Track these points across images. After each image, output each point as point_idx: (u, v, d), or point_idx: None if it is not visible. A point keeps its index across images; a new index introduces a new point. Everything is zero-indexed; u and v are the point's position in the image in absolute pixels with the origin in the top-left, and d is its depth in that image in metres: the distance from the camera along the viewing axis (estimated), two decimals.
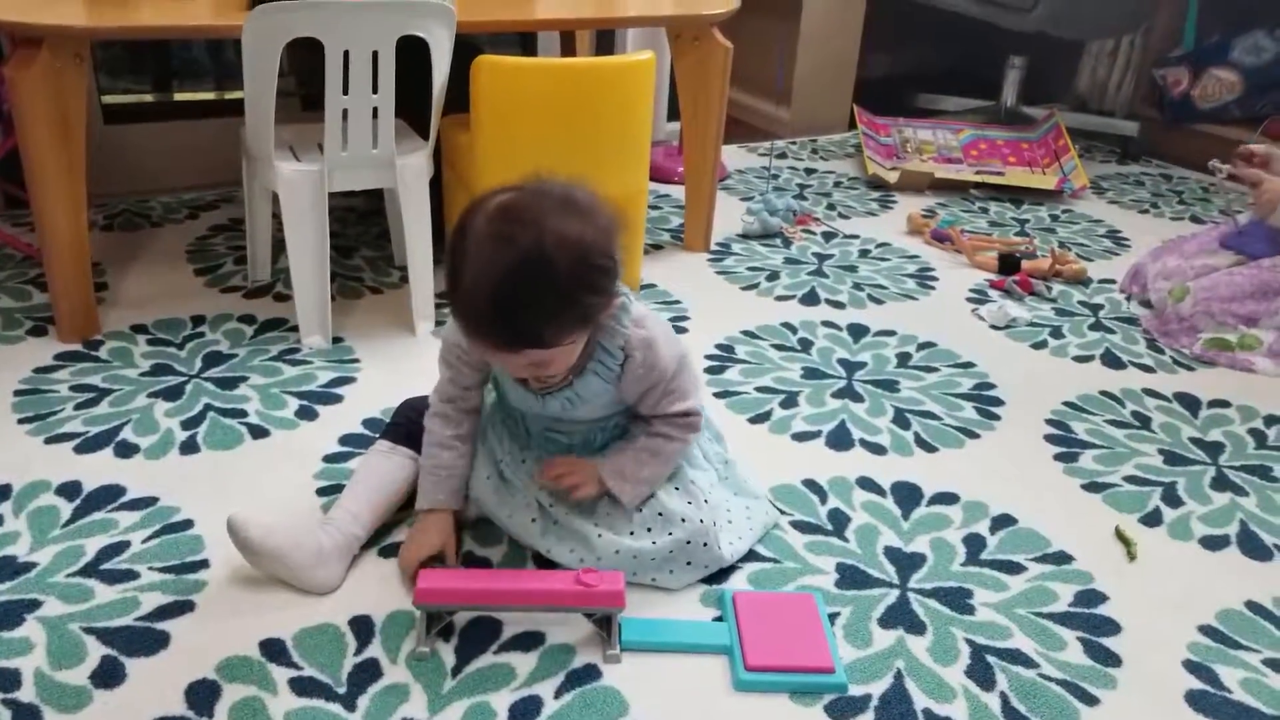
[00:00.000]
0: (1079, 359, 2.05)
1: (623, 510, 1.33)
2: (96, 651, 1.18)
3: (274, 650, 1.19)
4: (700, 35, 2.25)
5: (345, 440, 1.62)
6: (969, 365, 1.99)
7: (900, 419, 1.78)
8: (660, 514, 1.33)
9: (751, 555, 1.40)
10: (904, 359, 2.00)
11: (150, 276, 2.18)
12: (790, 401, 1.82)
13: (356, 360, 1.87)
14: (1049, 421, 1.80)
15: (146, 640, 1.20)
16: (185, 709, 1.11)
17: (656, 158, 2.97)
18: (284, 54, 1.70)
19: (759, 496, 1.48)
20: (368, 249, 2.38)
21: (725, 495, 1.43)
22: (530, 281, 1.08)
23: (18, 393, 1.71)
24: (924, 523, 1.50)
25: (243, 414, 1.68)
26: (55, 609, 1.24)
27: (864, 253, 2.55)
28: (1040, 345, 2.09)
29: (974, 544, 1.45)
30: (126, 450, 1.56)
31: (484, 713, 1.12)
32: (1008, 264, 2.41)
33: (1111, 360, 2.05)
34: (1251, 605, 1.36)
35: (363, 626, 1.23)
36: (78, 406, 1.67)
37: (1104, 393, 1.91)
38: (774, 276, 2.37)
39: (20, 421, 1.63)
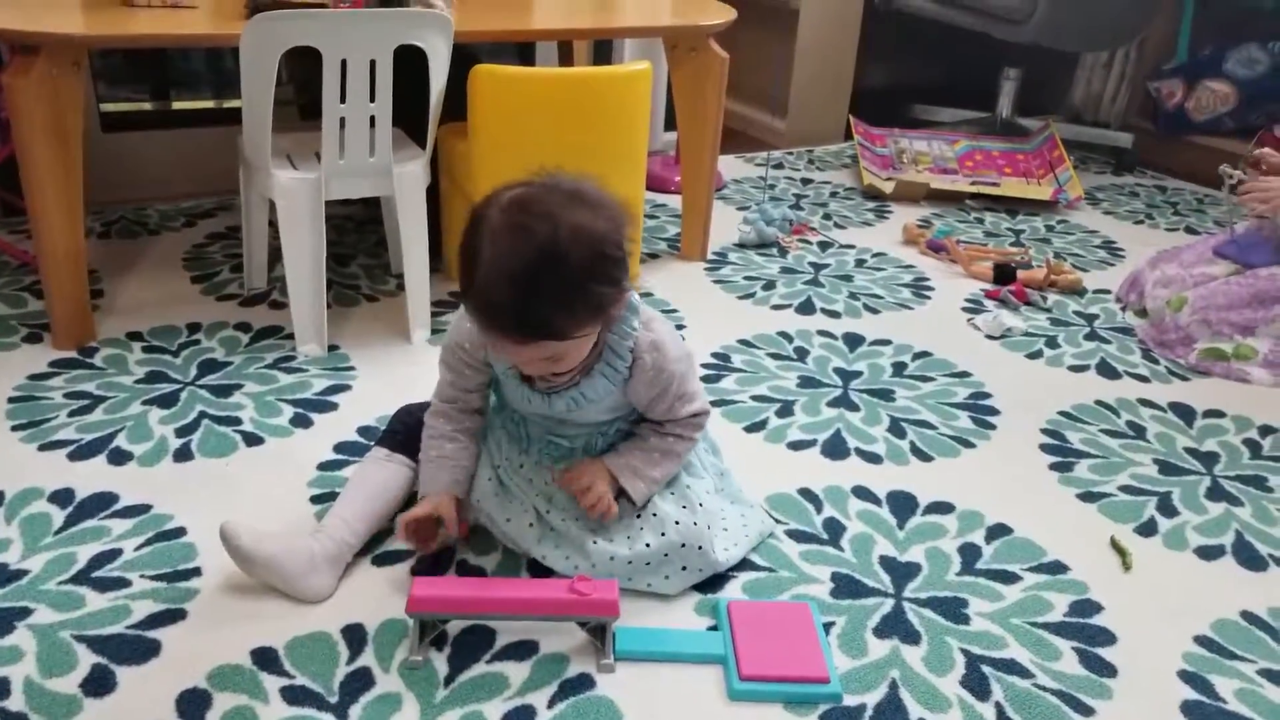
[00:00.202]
0: (1074, 369, 2.05)
1: (620, 517, 1.33)
2: (87, 660, 1.17)
3: (265, 659, 1.19)
4: (697, 46, 2.25)
5: (340, 448, 1.62)
6: (964, 375, 1.99)
7: (896, 428, 1.78)
8: (655, 515, 1.33)
9: (746, 564, 1.39)
10: (899, 368, 2.00)
11: (146, 284, 2.18)
12: (786, 410, 1.82)
13: (352, 368, 1.87)
14: (1044, 431, 1.80)
15: (137, 648, 1.19)
16: (176, 718, 1.10)
17: (654, 167, 2.98)
18: (282, 63, 1.70)
19: (754, 505, 1.48)
20: (364, 257, 2.38)
21: (721, 503, 1.43)
22: (547, 271, 1.10)
23: (11, 399, 1.70)
24: (919, 532, 1.49)
25: (237, 422, 1.67)
26: (46, 617, 1.23)
27: (860, 262, 2.55)
28: (1035, 355, 2.10)
29: (969, 553, 1.45)
30: (120, 457, 1.56)
31: None
32: (1003, 274, 2.42)
33: (1107, 370, 2.05)
34: (1247, 615, 1.36)
35: (355, 635, 1.23)
36: (72, 414, 1.67)
37: (1099, 402, 1.91)
38: (770, 286, 2.37)
39: (14, 428, 1.62)
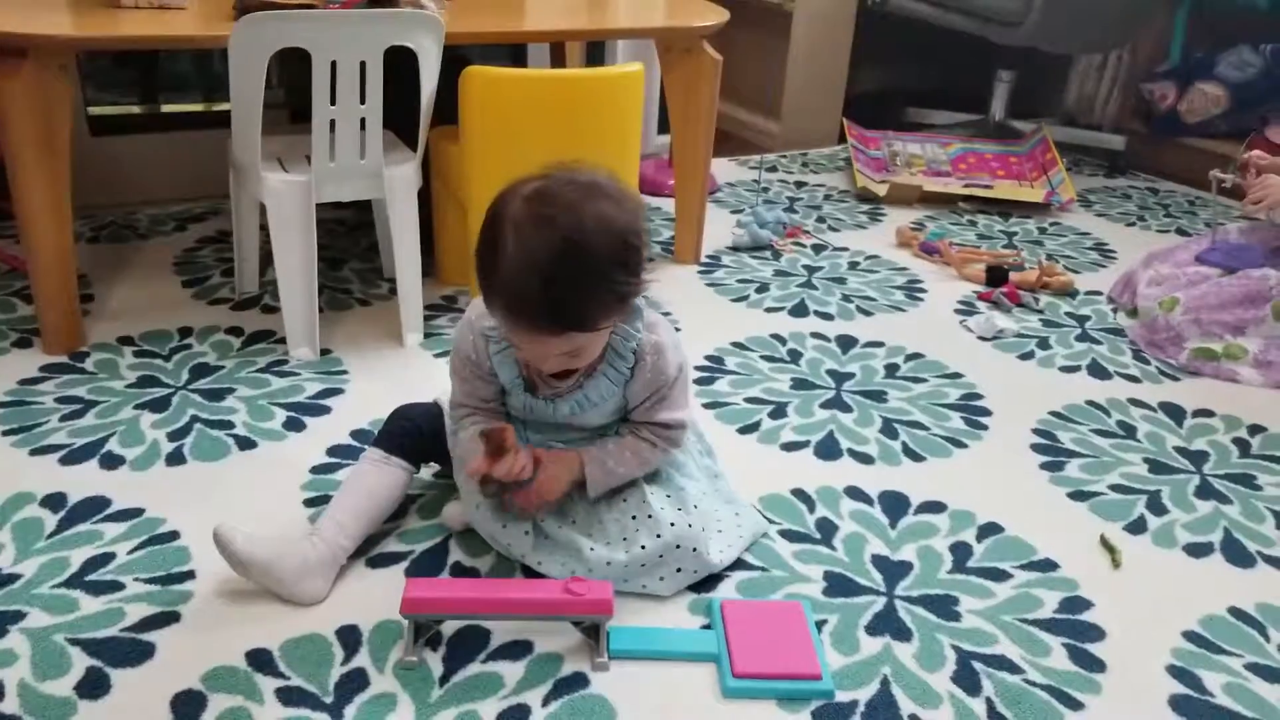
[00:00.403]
0: (1065, 369, 2.05)
1: (615, 520, 1.34)
2: (81, 662, 1.17)
3: (260, 660, 1.19)
4: (690, 48, 2.26)
5: (333, 451, 1.62)
6: (957, 376, 2.00)
7: (888, 429, 1.78)
8: (651, 516, 1.33)
9: (740, 564, 1.40)
10: (892, 370, 2.01)
11: (137, 288, 2.17)
12: (779, 412, 1.82)
13: (345, 372, 1.87)
14: (1035, 431, 1.80)
15: (132, 651, 1.19)
16: (171, 719, 1.10)
17: (647, 170, 2.99)
18: (273, 67, 1.70)
19: (747, 506, 1.49)
20: (356, 261, 2.38)
21: (715, 504, 1.44)
22: (573, 262, 1.10)
23: (2, 405, 1.70)
24: (911, 531, 1.50)
25: (230, 425, 1.68)
26: (40, 620, 1.23)
27: (853, 265, 2.56)
28: (1027, 356, 2.10)
29: (960, 552, 1.46)
30: (112, 462, 1.56)
31: None
32: (996, 276, 2.42)
33: (1098, 371, 2.06)
34: (1234, 611, 1.37)
35: (350, 636, 1.23)
36: (63, 418, 1.67)
37: (1090, 402, 1.92)
38: (764, 288, 2.37)
39: (5, 433, 1.62)
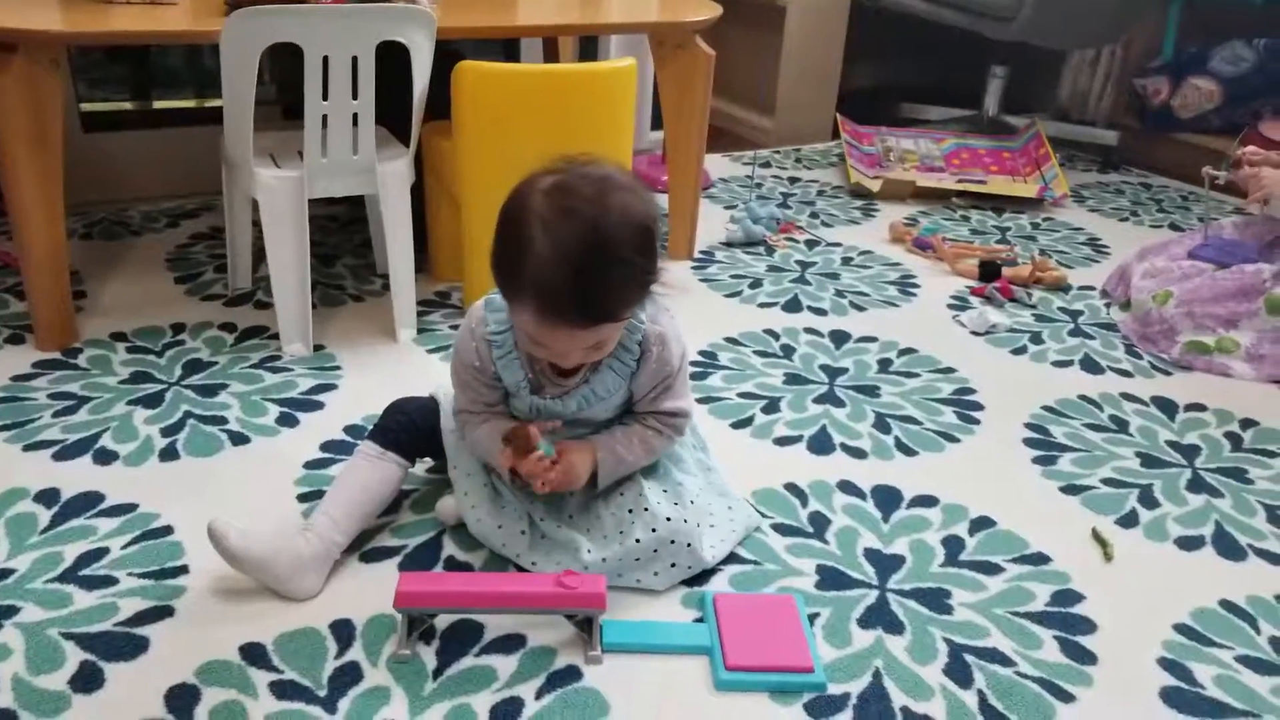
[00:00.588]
0: (1058, 364, 2.06)
1: (611, 514, 1.34)
2: (75, 657, 1.17)
3: (254, 654, 1.19)
4: (683, 43, 2.26)
5: (326, 447, 1.62)
6: (949, 371, 2.00)
7: (881, 424, 1.79)
8: (647, 510, 1.33)
9: (732, 557, 1.40)
10: (885, 365, 2.01)
11: (130, 285, 2.17)
12: (772, 407, 1.82)
13: (338, 368, 1.87)
14: (1028, 425, 1.81)
15: (126, 645, 1.19)
16: (165, 713, 1.10)
17: (640, 166, 2.99)
18: (265, 62, 1.70)
19: (740, 500, 1.49)
20: (349, 257, 2.38)
21: (710, 498, 1.44)
22: (602, 253, 1.11)
23: None
24: (904, 525, 1.50)
25: (223, 421, 1.68)
26: (33, 615, 1.23)
27: (846, 260, 2.56)
28: (1020, 351, 2.11)
29: (953, 545, 1.46)
30: (105, 457, 1.56)
31: (465, 714, 1.12)
32: (989, 271, 2.43)
33: (1090, 365, 2.06)
34: (1226, 604, 1.38)
35: (343, 630, 1.23)
36: (56, 414, 1.67)
37: (1082, 397, 1.92)
38: (757, 284, 2.38)
39: None
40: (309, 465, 1.57)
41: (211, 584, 1.30)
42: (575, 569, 1.29)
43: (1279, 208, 2.17)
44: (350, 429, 1.67)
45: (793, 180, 3.23)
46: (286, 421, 1.69)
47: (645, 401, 1.35)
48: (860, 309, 2.27)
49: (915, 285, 2.43)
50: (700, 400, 1.82)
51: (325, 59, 1.71)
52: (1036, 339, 2.16)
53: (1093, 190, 3.30)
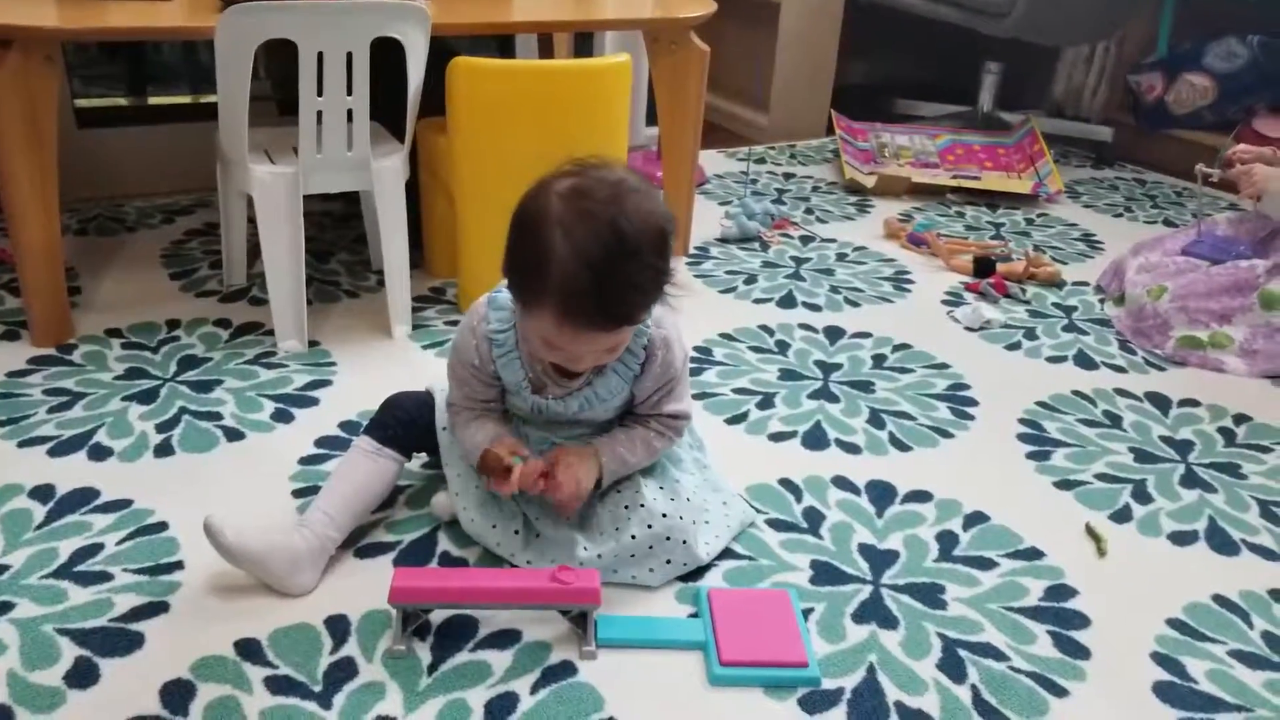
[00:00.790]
0: (1052, 360, 2.07)
1: (608, 511, 1.34)
2: (70, 652, 1.17)
3: (249, 650, 1.19)
4: (678, 39, 2.26)
5: (321, 443, 1.62)
6: (944, 366, 2.00)
7: (875, 419, 1.79)
8: (643, 506, 1.34)
9: (727, 553, 1.40)
10: (879, 360, 2.02)
11: (125, 281, 2.17)
12: (767, 403, 1.83)
13: (333, 364, 1.87)
14: (1022, 421, 1.81)
15: (121, 641, 1.20)
16: (160, 708, 1.11)
17: (635, 163, 2.98)
18: (260, 59, 1.70)
19: (735, 496, 1.49)
20: (345, 253, 2.38)
21: (705, 495, 1.44)
22: (624, 256, 1.10)
23: None
24: (898, 520, 1.51)
25: (218, 417, 1.68)
26: (28, 611, 1.23)
27: (841, 256, 2.57)
28: (1014, 346, 2.11)
29: (947, 541, 1.47)
30: (100, 453, 1.56)
31: (460, 710, 1.13)
32: (983, 267, 2.43)
33: (1084, 361, 2.07)
34: (1218, 599, 1.38)
35: (338, 626, 1.23)
36: (51, 410, 1.67)
37: (1076, 392, 1.93)
38: (751, 280, 2.38)
39: None
40: (304, 461, 1.57)
41: (206, 580, 1.30)
42: (570, 564, 1.30)
43: (1271, 204, 2.17)
44: (345, 425, 1.67)
45: (787, 176, 3.23)
46: (281, 417, 1.69)
47: (647, 404, 1.35)
48: (855, 305, 2.27)
49: (910, 281, 2.43)
50: (695, 396, 1.82)
51: (320, 55, 1.71)
52: (1031, 334, 2.17)
53: (1087, 186, 3.31)
